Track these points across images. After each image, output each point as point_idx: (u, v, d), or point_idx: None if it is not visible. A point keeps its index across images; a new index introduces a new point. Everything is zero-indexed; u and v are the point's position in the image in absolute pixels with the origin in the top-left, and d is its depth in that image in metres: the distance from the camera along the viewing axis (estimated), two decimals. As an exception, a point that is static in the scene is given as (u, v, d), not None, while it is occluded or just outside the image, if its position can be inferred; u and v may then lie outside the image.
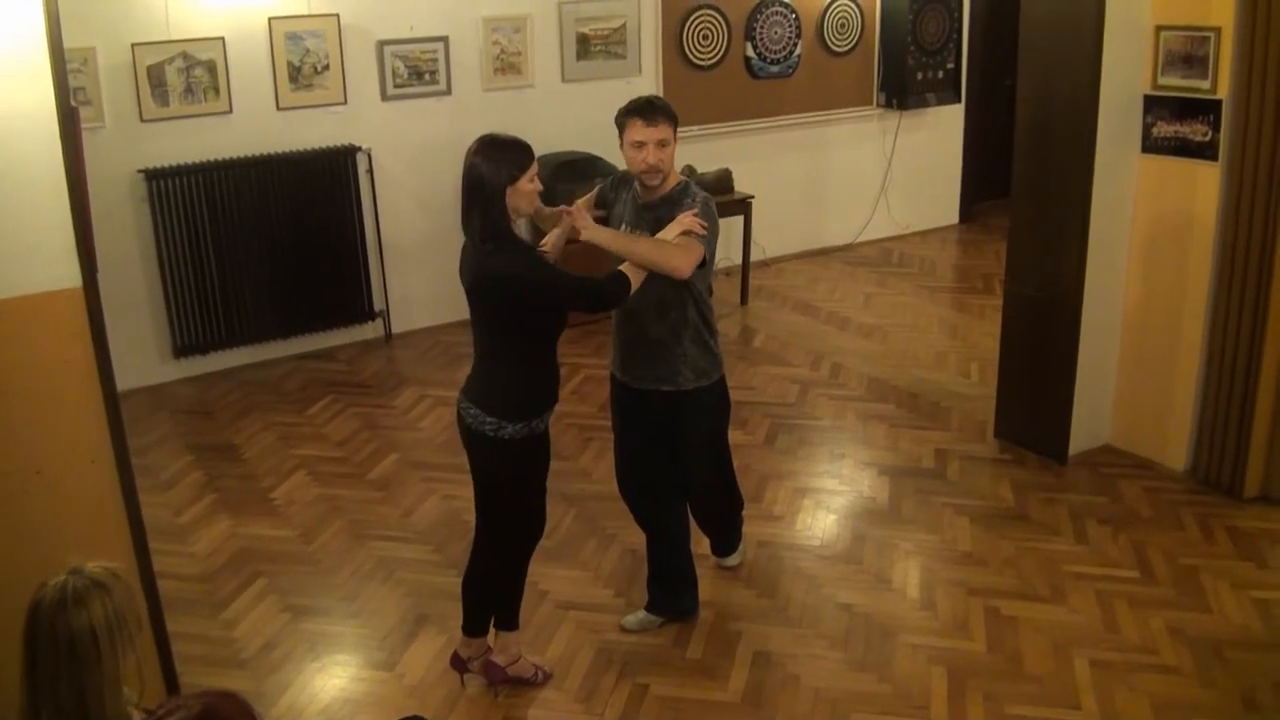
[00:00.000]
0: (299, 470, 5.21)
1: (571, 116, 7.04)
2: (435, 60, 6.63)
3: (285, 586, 4.28)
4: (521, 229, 3.85)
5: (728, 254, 7.50)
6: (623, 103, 3.59)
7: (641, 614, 3.99)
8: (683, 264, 3.40)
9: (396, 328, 6.90)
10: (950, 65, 8.40)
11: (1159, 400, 4.96)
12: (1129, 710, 3.49)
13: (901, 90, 8.24)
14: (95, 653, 2.06)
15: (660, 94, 7.08)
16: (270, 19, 6.10)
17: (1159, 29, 4.61)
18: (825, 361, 6.39)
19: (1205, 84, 4.50)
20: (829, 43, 8.08)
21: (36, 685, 2.07)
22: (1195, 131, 4.59)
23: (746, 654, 3.84)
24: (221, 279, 6.20)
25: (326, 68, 6.32)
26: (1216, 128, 4.50)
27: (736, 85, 7.78)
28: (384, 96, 6.55)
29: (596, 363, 6.29)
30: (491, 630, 3.68)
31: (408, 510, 4.84)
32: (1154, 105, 4.70)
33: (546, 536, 3.79)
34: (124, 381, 3.89)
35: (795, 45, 7.91)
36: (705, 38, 7.57)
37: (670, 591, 3.98)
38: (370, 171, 6.55)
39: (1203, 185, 4.62)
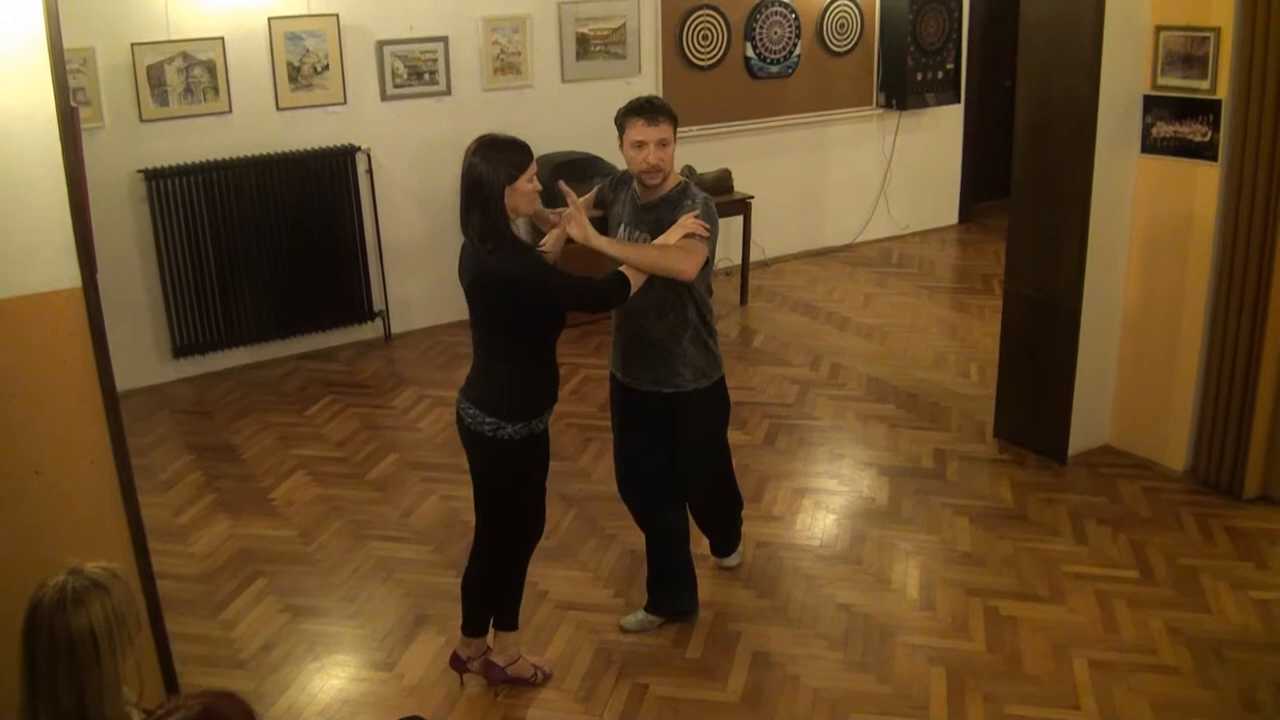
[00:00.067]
0: (298, 470, 5.21)
1: (571, 117, 7.04)
2: (435, 60, 6.63)
3: (284, 587, 4.28)
4: (521, 229, 3.85)
5: (727, 254, 7.50)
6: (622, 103, 3.59)
7: (641, 614, 3.99)
8: (687, 266, 3.40)
9: (396, 328, 6.90)
10: (950, 65, 8.40)
11: (1158, 400, 4.96)
12: (1128, 710, 3.49)
13: (901, 90, 8.24)
14: (94, 653, 2.06)
15: (660, 94, 7.10)
16: (270, 19, 6.10)
17: (1158, 29, 4.61)
18: (825, 362, 6.39)
19: (1205, 84, 4.50)
20: (828, 43, 8.08)
21: (35, 685, 2.07)
22: (1195, 132, 4.59)
23: (746, 654, 3.84)
24: (221, 279, 6.20)
25: (326, 68, 6.32)
26: (1216, 128, 4.50)
27: (736, 85, 7.78)
28: (383, 96, 6.55)
29: (596, 363, 6.29)
30: (491, 630, 3.68)
31: (407, 510, 4.84)
32: (1153, 105, 4.70)
33: (546, 537, 3.79)
34: (123, 382, 3.89)
35: (795, 45, 7.91)
36: (705, 38, 7.57)
37: (669, 592, 3.98)
38: (370, 172, 6.55)
39: (1202, 185, 4.62)
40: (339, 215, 6.48)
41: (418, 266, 6.83)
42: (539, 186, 3.28)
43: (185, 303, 6.15)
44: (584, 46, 7.13)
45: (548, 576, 4.26)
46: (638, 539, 4.11)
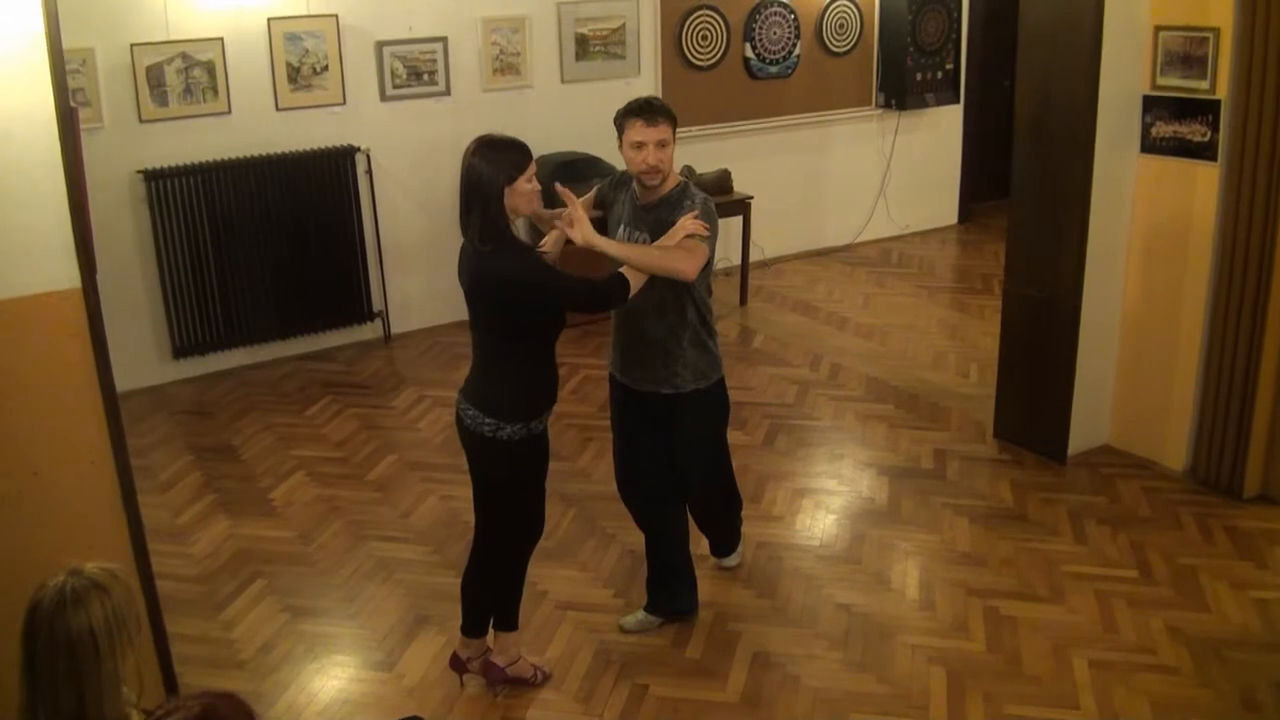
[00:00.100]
0: (298, 471, 5.21)
1: (570, 117, 7.04)
2: (434, 61, 6.63)
3: (284, 587, 4.28)
4: (520, 229, 3.85)
5: (727, 254, 7.50)
6: (622, 103, 3.59)
7: (640, 614, 3.99)
8: (688, 267, 3.40)
9: (395, 328, 6.90)
10: (949, 66, 8.40)
11: (1158, 400, 4.96)
12: (1128, 710, 3.49)
13: (900, 91, 8.24)
14: (94, 654, 2.06)
15: (659, 94, 7.10)
16: (269, 19, 6.10)
17: (1158, 29, 4.61)
18: (824, 362, 6.39)
19: (1204, 84, 4.50)
20: (828, 43, 8.08)
21: (35, 686, 2.07)
22: (1194, 132, 4.59)
23: (745, 654, 3.84)
24: (220, 280, 6.20)
25: (325, 68, 6.32)
26: (1215, 128, 4.51)
27: (735, 86, 7.78)
28: (383, 97, 6.55)
29: (595, 363, 6.29)
30: (491, 631, 3.68)
31: (406, 511, 4.83)
32: (1153, 105, 4.70)
33: (546, 537, 3.79)
34: (123, 382, 3.89)
35: (794, 46, 7.91)
36: (704, 38, 7.57)
37: (669, 592, 3.98)
38: (369, 172, 6.55)
39: (1202, 185, 4.62)
40: (338, 216, 6.48)
41: (417, 267, 6.83)
42: (538, 187, 3.28)
43: (185, 303, 6.15)
44: (583, 47, 7.13)
45: (547, 576, 4.26)
46: (637, 539, 4.11)
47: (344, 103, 6.42)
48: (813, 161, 8.32)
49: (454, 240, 3.41)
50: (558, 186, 3.45)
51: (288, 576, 4.35)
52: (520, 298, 3.25)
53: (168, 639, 3.46)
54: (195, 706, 1.89)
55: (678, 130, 3.59)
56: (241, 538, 4.64)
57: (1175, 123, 4.64)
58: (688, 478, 3.90)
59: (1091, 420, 5.09)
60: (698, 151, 7.35)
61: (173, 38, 5.86)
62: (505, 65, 6.88)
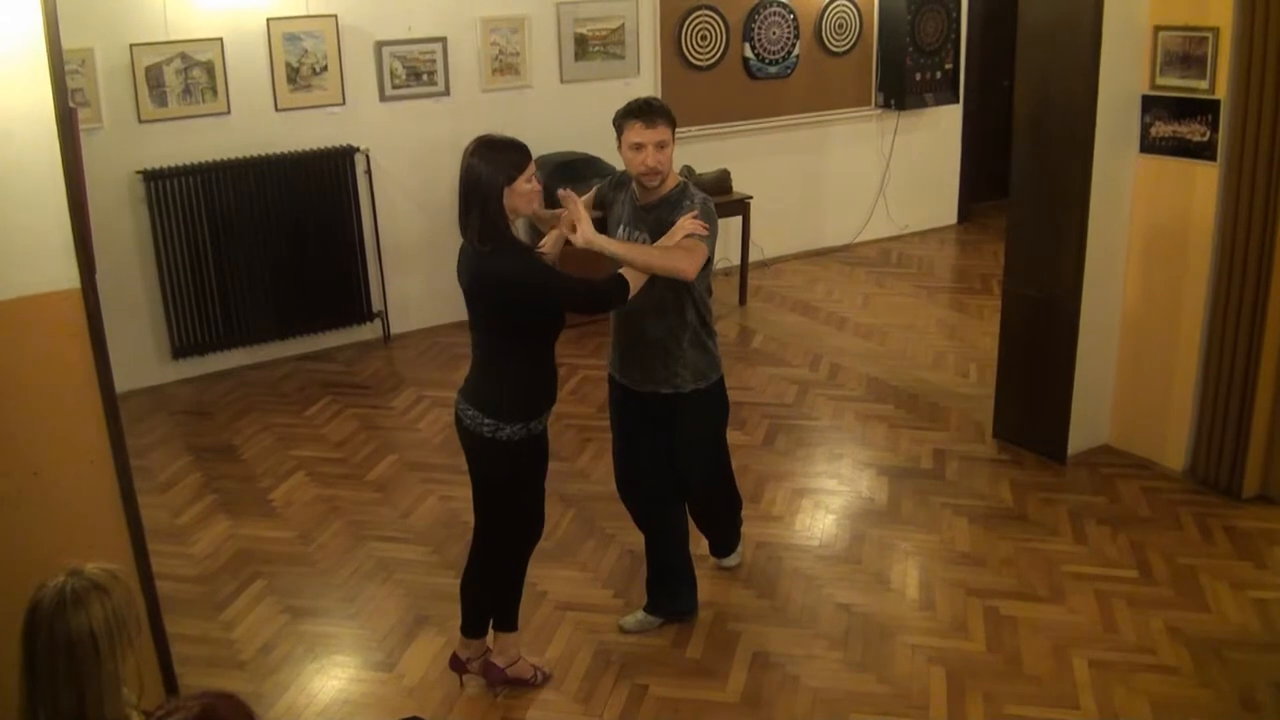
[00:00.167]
0: (298, 471, 5.21)
1: (570, 117, 7.04)
2: (433, 61, 6.63)
3: (284, 587, 4.28)
4: (520, 230, 3.85)
5: (726, 254, 7.50)
6: (621, 103, 3.58)
7: (640, 614, 3.99)
8: (688, 266, 3.40)
9: (395, 328, 6.90)
10: (948, 66, 8.40)
11: (1158, 400, 4.96)
12: (1128, 710, 3.49)
13: (900, 91, 8.24)
14: (94, 654, 2.06)
15: (658, 94, 7.11)
16: (268, 20, 6.10)
17: (1157, 29, 4.61)
18: (824, 362, 6.39)
19: (1203, 84, 4.50)
20: (827, 43, 8.09)
21: (35, 687, 2.07)
22: (1193, 131, 4.59)
23: (745, 654, 3.84)
24: (220, 280, 6.20)
25: (325, 68, 6.32)
26: (1215, 128, 4.51)
27: (735, 86, 7.78)
28: (382, 97, 6.55)
29: (594, 363, 6.29)
30: (490, 631, 3.68)
31: (406, 511, 4.83)
32: (1152, 105, 4.70)
33: (545, 537, 3.79)
34: (122, 382, 3.89)
35: (793, 46, 7.91)
36: (703, 38, 7.57)
37: (669, 592, 3.98)
38: (369, 172, 6.55)
39: (1201, 185, 4.62)
40: (338, 216, 6.48)
41: (417, 267, 6.83)
42: (538, 187, 3.28)
43: (184, 303, 6.15)
44: (582, 47, 7.13)
45: (547, 577, 4.26)
46: (637, 539, 4.11)
47: (343, 103, 6.42)
48: (812, 161, 8.32)
49: (453, 240, 3.41)
50: (561, 191, 3.45)
51: (288, 577, 4.35)
52: (520, 298, 3.25)
53: (168, 639, 3.46)
54: (195, 707, 1.89)
55: (677, 130, 3.59)
56: (241, 538, 4.64)
57: (1174, 122, 4.65)
58: (687, 478, 3.90)
59: (1091, 420, 5.09)
60: (697, 151, 7.35)
61: (172, 38, 5.86)
62: (504, 65, 6.88)
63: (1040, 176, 4.88)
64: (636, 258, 3.38)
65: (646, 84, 7.33)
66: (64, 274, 3.00)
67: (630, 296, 3.37)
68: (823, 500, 4.85)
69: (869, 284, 7.78)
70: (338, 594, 4.24)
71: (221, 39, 5.99)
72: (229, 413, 5.88)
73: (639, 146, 3.49)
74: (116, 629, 2.08)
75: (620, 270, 3.37)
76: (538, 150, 4.48)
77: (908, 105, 8.29)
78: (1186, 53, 4.53)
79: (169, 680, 3.44)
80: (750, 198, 7.31)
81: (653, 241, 3.52)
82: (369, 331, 6.84)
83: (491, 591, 3.62)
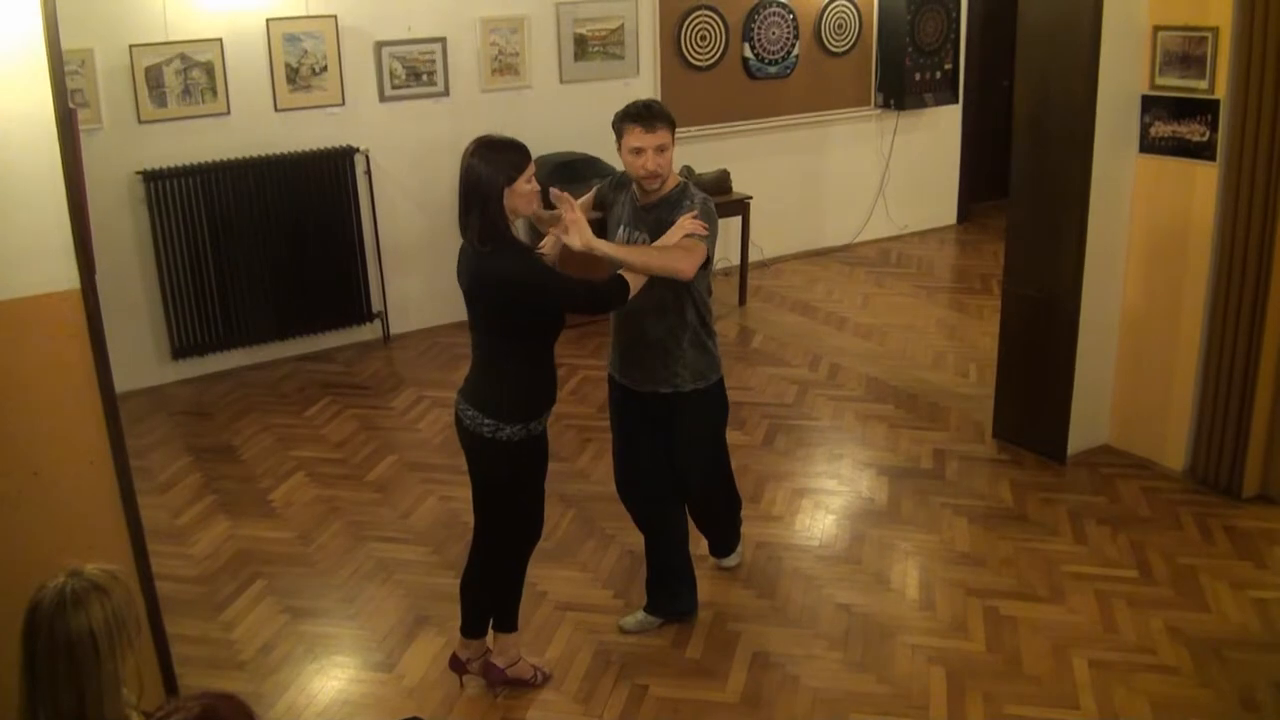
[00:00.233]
0: (297, 471, 5.21)
1: (569, 117, 7.04)
2: (433, 61, 6.63)
3: (284, 588, 4.28)
4: (520, 230, 3.84)
5: (726, 255, 7.51)
6: (621, 104, 3.58)
7: (640, 615, 3.99)
8: (687, 266, 3.40)
9: (394, 329, 6.90)
10: (948, 66, 8.40)
11: (1157, 400, 4.96)
12: (1128, 710, 3.49)
13: (899, 91, 8.24)
14: (94, 655, 2.05)
15: (658, 95, 7.12)
16: (268, 20, 6.10)
17: (1156, 29, 4.62)
18: (823, 362, 6.39)
19: (1203, 84, 4.50)
20: (827, 43, 8.09)
21: (35, 687, 2.07)
22: (1193, 131, 4.59)
23: (745, 654, 3.84)
24: (219, 280, 6.20)
25: (324, 69, 6.32)
26: (1214, 128, 4.51)
27: (734, 86, 7.78)
28: (382, 98, 6.55)
29: (594, 364, 6.29)
30: (490, 631, 3.68)
31: (406, 511, 4.83)
32: (1152, 105, 4.71)
33: (545, 538, 3.79)
34: (122, 383, 3.89)
35: (793, 46, 7.91)
36: (703, 38, 7.57)
37: (669, 592, 3.98)
38: (368, 173, 6.55)
39: (1201, 185, 4.62)
40: (337, 216, 6.48)
41: (416, 267, 6.83)
42: (537, 187, 3.28)
43: (184, 304, 6.15)
44: (582, 47, 7.13)
45: (547, 577, 4.26)
46: (637, 539, 4.11)
47: (343, 103, 6.42)
48: (811, 161, 8.32)
49: (453, 241, 3.41)
50: (554, 191, 3.44)
51: (287, 577, 4.35)
52: (519, 298, 3.25)
53: (168, 640, 3.46)
54: (195, 707, 1.89)
55: (676, 131, 3.58)
56: (241, 538, 4.63)
57: (1174, 122, 4.65)
58: (687, 478, 3.90)
59: (1091, 420, 5.10)
60: (697, 152, 7.35)
61: (171, 39, 5.86)
62: (504, 66, 6.88)
63: (1040, 176, 4.88)
64: (634, 259, 3.38)
65: (646, 84, 7.33)
66: (64, 274, 3.00)
67: (630, 297, 3.37)
68: (823, 500, 4.85)
69: (869, 284, 7.78)
70: (338, 594, 4.24)
71: (221, 39, 5.99)
72: (229, 413, 5.88)
73: (639, 151, 3.49)
74: (116, 629, 2.08)
75: (620, 271, 3.37)
76: (537, 150, 4.49)
77: (907, 105, 8.29)
78: (1186, 53, 4.53)
79: (169, 680, 3.44)
80: (750, 198, 7.31)
81: (653, 242, 3.52)
82: (369, 332, 6.84)
83: (491, 592, 3.62)
